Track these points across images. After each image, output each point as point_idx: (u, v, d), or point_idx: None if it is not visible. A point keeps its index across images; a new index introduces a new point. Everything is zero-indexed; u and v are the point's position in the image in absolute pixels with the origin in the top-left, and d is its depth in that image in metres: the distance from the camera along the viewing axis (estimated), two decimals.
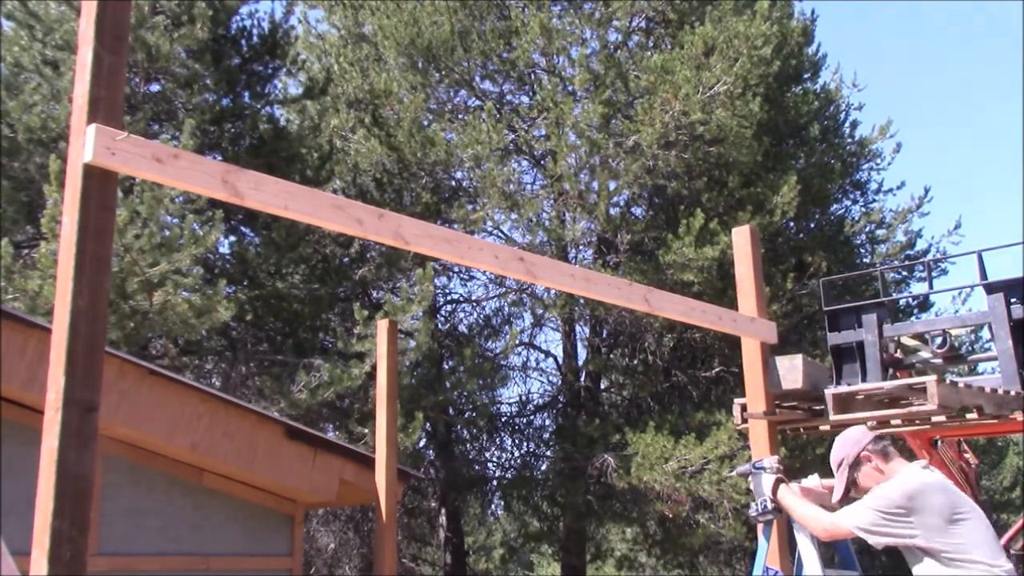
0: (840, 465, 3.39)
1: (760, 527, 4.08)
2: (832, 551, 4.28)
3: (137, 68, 10.77)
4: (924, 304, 16.12)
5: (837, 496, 3.41)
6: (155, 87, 11.48)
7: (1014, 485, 24.92)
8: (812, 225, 15.94)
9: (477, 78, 15.34)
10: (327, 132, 13.24)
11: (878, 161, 17.19)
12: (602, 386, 16.47)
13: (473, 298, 16.43)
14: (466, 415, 15.06)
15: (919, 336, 6.26)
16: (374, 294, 13.99)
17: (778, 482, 3.74)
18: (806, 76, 16.47)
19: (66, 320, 2.55)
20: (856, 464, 3.38)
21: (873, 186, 17.42)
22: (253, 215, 11.33)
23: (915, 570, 3.18)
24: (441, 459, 15.08)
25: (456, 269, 15.59)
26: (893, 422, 5.53)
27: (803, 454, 12.85)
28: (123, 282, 8.90)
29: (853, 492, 3.38)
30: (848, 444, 3.41)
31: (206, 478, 6.97)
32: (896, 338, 6.19)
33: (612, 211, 14.34)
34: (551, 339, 23.93)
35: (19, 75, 10.51)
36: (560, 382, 16.15)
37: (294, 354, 11.32)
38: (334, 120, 13.85)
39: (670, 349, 15.22)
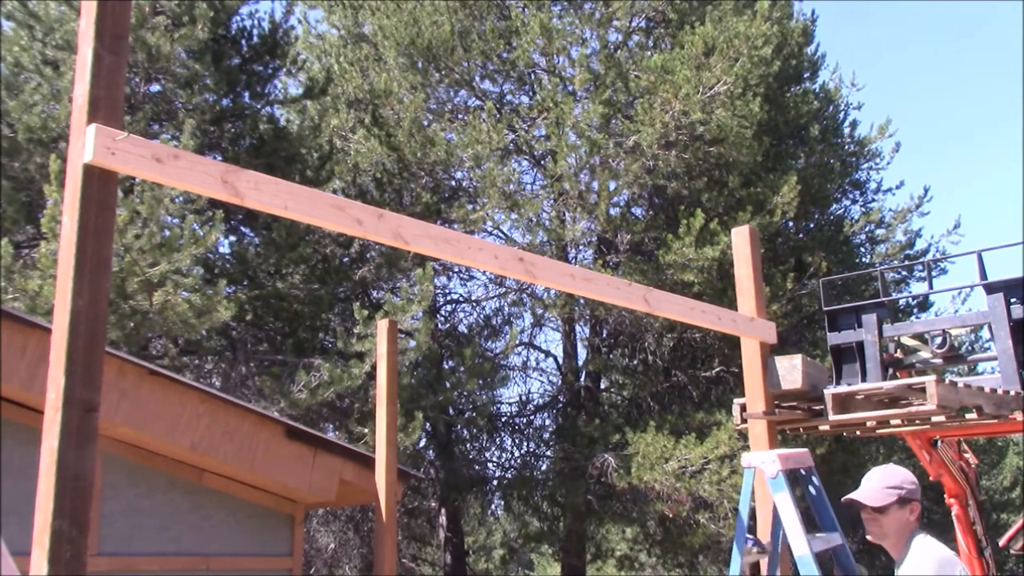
0: (896, 488, 3.29)
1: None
2: (830, 554, 4.22)
3: (137, 68, 10.77)
4: (924, 304, 16.14)
5: (875, 503, 3.29)
6: (155, 87, 11.48)
7: (1014, 485, 24.93)
8: (812, 225, 15.95)
9: (477, 78, 15.34)
10: (327, 132, 13.24)
11: (877, 161, 17.22)
12: (602, 386, 16.47)
13: (473, 298, 16.44)
14: (466, 415, 15.05)
15: (919, 336, 6.26)
16: (374, 294, 13.99)
17: None
18: (806, 76, 16.48)
19: (66, 320, 2.54)
20: (906, 503, 3.29)
21: (872, 186, 17.47)
22: (253, 215, 11.34)
23: None
24: (441, 459, 15.08)
25: (456, 269, 15.60)
26: (893, 422, 5.53)
27: None
28: (123, 282, 8.90)
29: (875, 515, 3.30)
30: (914, 484, 3.34)
31: (206, 478, 6.97)
32: (896, 338, 6.19)
33: (612, 211, 14.35)
34: (551, 339, 23.98)
35: (19, 75, 10.51)
36: (560, 382, 16.15)
37: (294, 354, 11.32)
38: (334, 120, 13.85)
39: (670, 349, 15.22)
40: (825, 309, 6.10)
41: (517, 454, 15.97)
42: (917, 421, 5.52)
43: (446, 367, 14.04)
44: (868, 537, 3.36)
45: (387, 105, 13.97)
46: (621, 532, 18.88)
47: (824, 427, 5.68)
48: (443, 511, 16.16)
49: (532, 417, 16.32)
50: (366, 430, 10.77)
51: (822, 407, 5.17)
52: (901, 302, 15.08)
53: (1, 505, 5.39)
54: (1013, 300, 5.50)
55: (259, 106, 12.36)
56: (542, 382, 16.93)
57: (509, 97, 15.84)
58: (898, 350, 6.25)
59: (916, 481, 3.36)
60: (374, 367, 8.07)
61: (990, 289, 5.62)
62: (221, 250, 11.77)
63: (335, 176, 12.95)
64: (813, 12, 23.87)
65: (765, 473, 4.00)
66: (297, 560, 7.55)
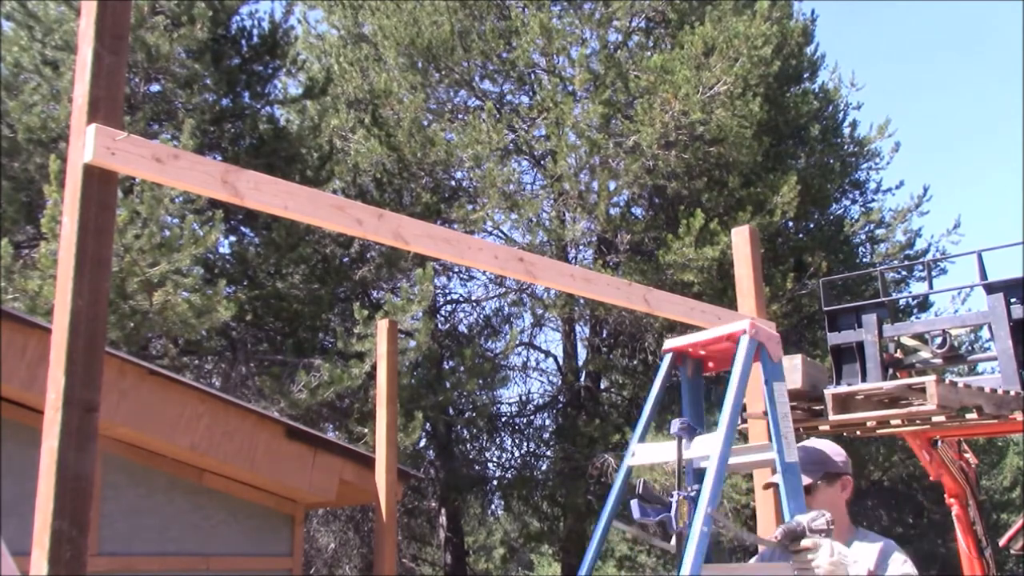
0: (819, 464, 2.82)
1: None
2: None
3: (137, 68, 10.77)
4: (924, 304, 16.14)
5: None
6: (155, 87, 11.48)
7: (1014, 485, 24.91)
8: (812, 225, 15.95)
9: (477, 78, 15.35)
10: (327, 132, 13.24)
11: (877, 161, 17.22)
12: (602, 386, 16.47)
13: (473, 298, 16.44)
14: (466, 415, 15.06)
15: (919, 336, 6.27)
16: (374, 294, 13.99)
17: None
18: (805, 76, 16.49)
19: (66, 320, 2.54)
20: (835, 478, 2.81)
21: (872, 186, 17.48)
22: (253, 215, 11.33)
23: None
24: (441, 459, 15.08)
25: (456, 269, 15.59)
26: (893, 422, 5.53)
27: None
28: (123, 282, 8.90)
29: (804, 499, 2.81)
30: (841, 456, 2.88)
31: (206, 478, 6.96)
32: (896, 338, 6.20)
33: (612, 211, 14.35)
34: (551, 339, 23.97)
35: (19, 75, 10.51)
36: (560, 382, 16.16)
37: (294, 354, 11.32)
38: (334, 120, 13.85)
39: None
40: (825, 309, 6.10)
41: (517, 454, 15.98)
42: (917, 421, 5.52)
43: (446, 367, 14.04)
44: None
45: (387, 105, 13.97)
46: (621, 532, 18.89)
47: (824, 427, 5.68)
48: (443, 511, 16.16)
49: (532, 417, 16.33)
50: (366, 430, 10.77)
51: (822, 407, 5.17)
52: (901, 302, 15.08)
53: (1, 505, 5.39)
54: (1013, 300, 5.50)
55: (259, 106, 12.37)
56: (542, 382, 16.95)
57: (509, 97, 15.85)
58: (898, 350, 6.25)
59: (843, 452, 2.92)
60: (374, 367, 8.07)
61: (990, 289, 5.62)
62: (221, 250, 11.78)
63: (335, 176, 12.96)
64: (813, 12, 23.91)
65: (770, 353, 2.82)
66: (297, 560, 7.55)
